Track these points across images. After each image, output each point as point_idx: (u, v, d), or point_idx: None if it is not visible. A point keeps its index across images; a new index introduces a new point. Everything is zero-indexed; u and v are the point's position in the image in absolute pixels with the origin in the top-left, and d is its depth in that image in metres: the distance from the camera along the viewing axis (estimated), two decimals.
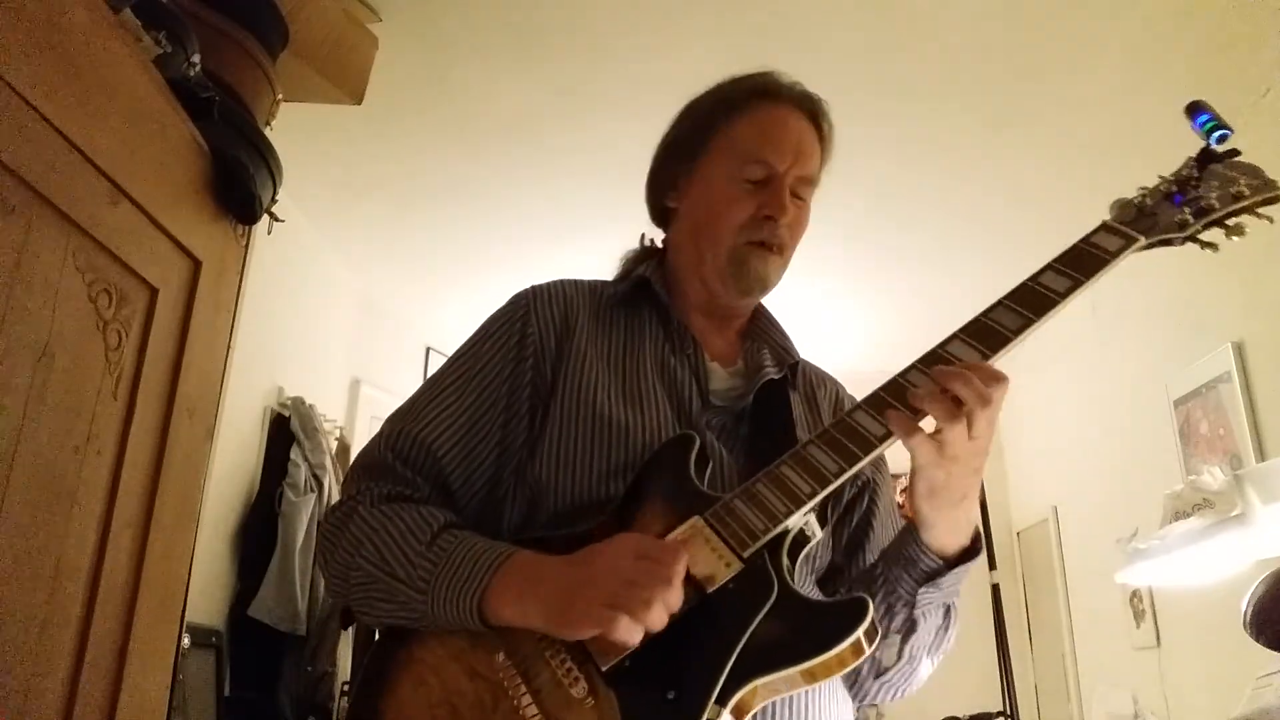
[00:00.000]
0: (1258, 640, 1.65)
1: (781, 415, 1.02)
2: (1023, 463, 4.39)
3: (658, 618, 0.75)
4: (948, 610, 0.96)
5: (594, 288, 1.11)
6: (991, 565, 2.89)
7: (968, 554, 0.91)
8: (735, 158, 1.05)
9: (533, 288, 1.08)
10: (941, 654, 1.00)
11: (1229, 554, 1.92)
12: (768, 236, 1.03)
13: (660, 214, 1.17)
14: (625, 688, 0.76)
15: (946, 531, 0.89)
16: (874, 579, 0.95)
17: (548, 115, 2.70)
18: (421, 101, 2.65)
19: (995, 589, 2.85)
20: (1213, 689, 2.62)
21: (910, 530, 0.91)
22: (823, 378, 1.16)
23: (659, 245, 1.19)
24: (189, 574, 1.42)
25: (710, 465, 0.93)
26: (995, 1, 2.18)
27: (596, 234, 3.40)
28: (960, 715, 2.95)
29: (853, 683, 0.99)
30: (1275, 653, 1.65)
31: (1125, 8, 2.18)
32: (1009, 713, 2.77)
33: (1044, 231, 3.21)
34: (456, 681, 0.83)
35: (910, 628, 0.93)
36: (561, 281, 1.10)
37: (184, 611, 1.41)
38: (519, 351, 1.01)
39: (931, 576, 0.90)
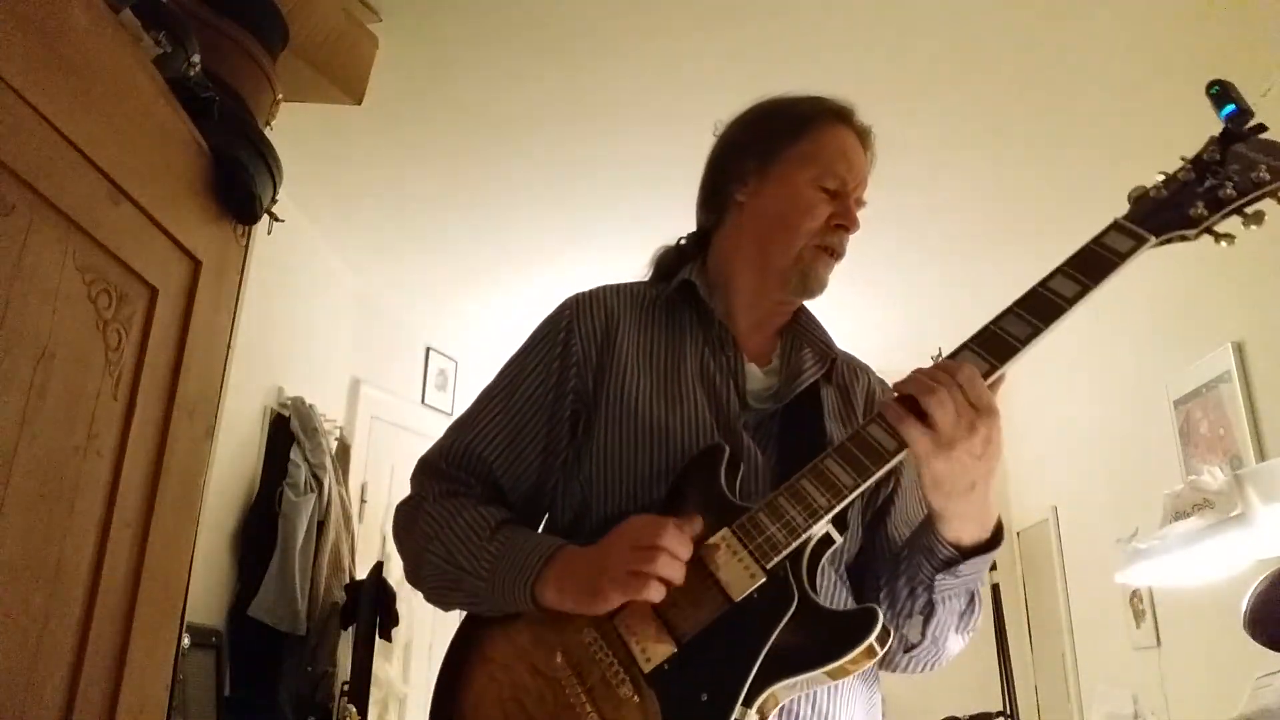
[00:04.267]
0: (1258, 640, 1.65)
1: (812, 413, 1.07)
2: (1023, 463, 4.38)
3: (674, 570, 0.85)
4: (971, 596, 1.01)
5: (634, 291, 1.17)
6: (991, 565, 2.89)
7: (987, 545, 0.95)
8: (818, 166, 1.11)
9: (575, 298, 1.14)
10: (971, 632, 1.05)
11: (1229, 554, 1.92)
12: (836, 244, 1.11)
13: (718, 204, 1.19)
14: (665, 688, 0.85)
15: (960, 522, 0.92)
16: (898, 561, 1.01)
17: (547, 116, 2.69)
18: (422, 102, 2.64)
19: (995, 589, 2.86)
20: (1213, 689, 2.62)
21: (929, 521, 0.95)
22: (857, 369, 1.19)
23: (694, 245, 1.22)
24: (189, 574, 1.42)
25: (742, 469, 0.99)
26: (993, 4, 2.18)
27: (596, 234, 3.40)
28: (960, 715, 2.95)
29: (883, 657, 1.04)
30: (1275, 653, 1.65)
31: (1125, 8, 2.18)
32: (1009, 713, 2.77)
33: (1045, 230, 3.22)
34: (522, 678, 0.92)
35: (930, 611, 0.98)
36: (604, 289, 1.15)
37: (184, 611, 1.41)
38: (562, 362, 1.08)
39: (948, 564, 0.95)
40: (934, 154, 2.80)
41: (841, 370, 1.16)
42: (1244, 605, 1.66)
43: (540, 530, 1.09)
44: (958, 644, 1.04)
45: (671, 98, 2.50)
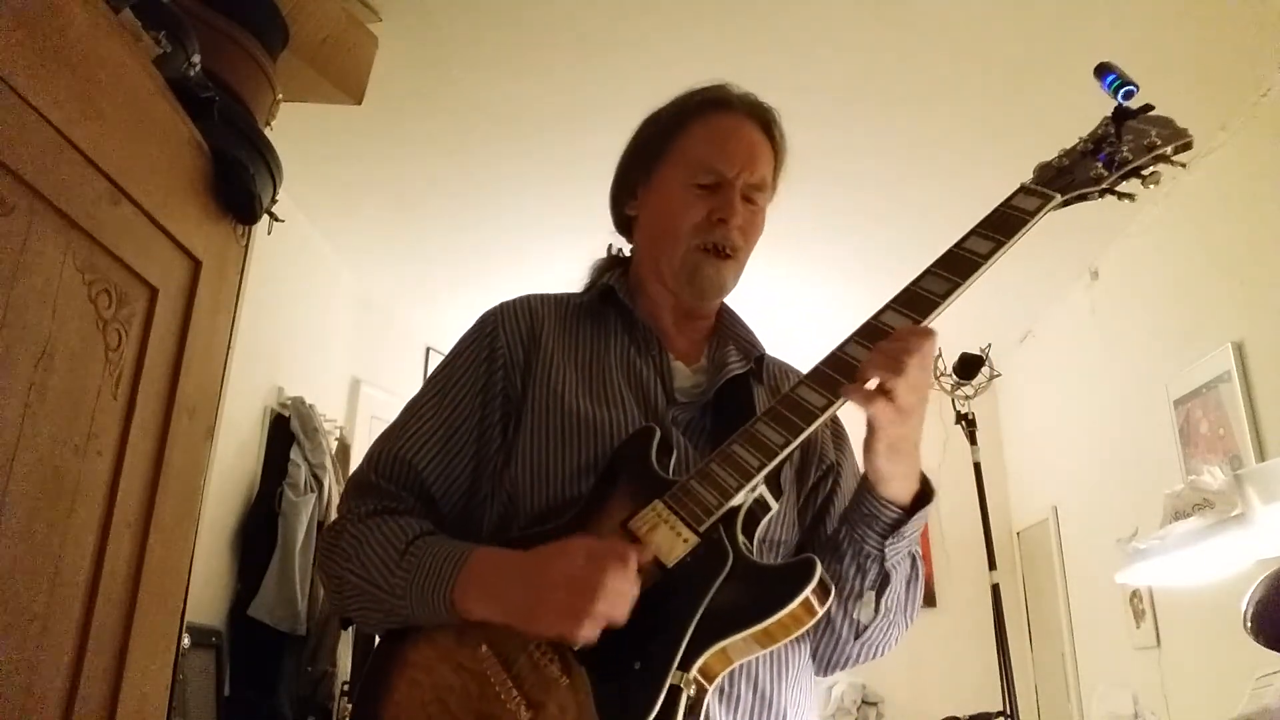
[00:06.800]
0: (1258, 640, 1.65)
1: (744, 407, 1.05)
2: (1023, 463, 4.39)
3: (619, 613, 0.81)
4: (914, 561, 1.01)
5: (559, 300, 1.16)
6: (991, 565, 2.89)
7: (921, 500, 0.96)
8: (688, 165, 1.10)
9: (499, 305, 1.13)
10: (913, 614, 1.04)
11: (1229, 554, 1.93)
12: (720, 239, 1.07)
13: (622, 222, 1.23)
14: (596, 664, 0.81)
15: (900, 481, 0.94)
16: (839, 542, 0.99)
17: (547, 116, 2.69)
18: (421, 101, 2.64)
19: (995, 589, 2.85)
20: (1213, 689, 2.62)
21: (866, 489, 0.96)
22: (787, 371, 1.19)
23: (626, 254, 1.24)
24: (189, 574, 1.42)
25: (674, 454, 0.98)
26: (993, 4, 2.18)
27: (595, 234, 3.38)
28: (960, 715, 2.95)
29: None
30: (1275, 653, 1.65)
31: (1125, 9, 2.18)
32: (1009, 713, 2.77)
33: (1049, 224, 3.21)
34: (445, 678, 0.89)
35: (884, 581, 0.98)
36: (528, 296, 1.15)
37: (184, 611, 1.41)
38: (489, 366, 1.07)
39: (895, 527, 0.95)
40: (929, 151, 2.80)
41: (773, 372, 1.17)
42: (1244, 605, 1.66)
43: (470, 538, 1.01)
44: (903, 627, 1.04)
45: (675, 95, 2.50)
